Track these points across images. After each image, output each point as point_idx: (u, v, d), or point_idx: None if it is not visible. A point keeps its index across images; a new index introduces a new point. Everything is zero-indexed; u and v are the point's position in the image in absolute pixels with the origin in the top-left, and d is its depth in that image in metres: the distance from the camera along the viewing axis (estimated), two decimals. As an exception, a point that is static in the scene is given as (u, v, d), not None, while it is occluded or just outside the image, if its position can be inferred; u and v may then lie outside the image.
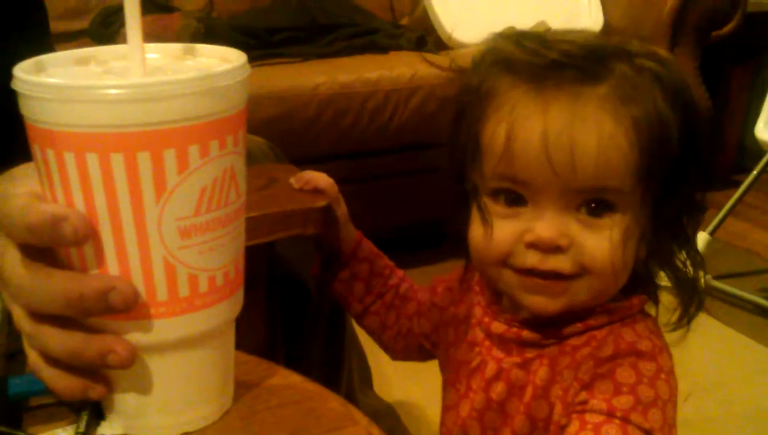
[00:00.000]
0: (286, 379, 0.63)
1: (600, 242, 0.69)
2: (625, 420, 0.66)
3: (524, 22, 3.17)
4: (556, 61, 0.68)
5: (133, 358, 0.50)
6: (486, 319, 0.79)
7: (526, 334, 0.75)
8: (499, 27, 2.92)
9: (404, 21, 3.13)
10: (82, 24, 2.72)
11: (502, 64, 0.73)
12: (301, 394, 0.61)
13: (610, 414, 0.67)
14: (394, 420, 1.54)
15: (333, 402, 0.60)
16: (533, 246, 0.70)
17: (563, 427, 0.70)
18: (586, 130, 0.67)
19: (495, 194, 0.72)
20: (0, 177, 0.55)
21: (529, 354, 0.75)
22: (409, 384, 1.69)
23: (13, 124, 0.51)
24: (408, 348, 0.94)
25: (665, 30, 2.86)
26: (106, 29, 2.62)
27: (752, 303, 2.32)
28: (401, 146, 2.48)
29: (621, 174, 0.68)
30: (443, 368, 0.87)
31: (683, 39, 2.88)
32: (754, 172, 2.35)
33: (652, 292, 0.76)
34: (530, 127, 0.68)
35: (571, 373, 0.72)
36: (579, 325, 0.73)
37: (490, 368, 0.78)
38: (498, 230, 0.71)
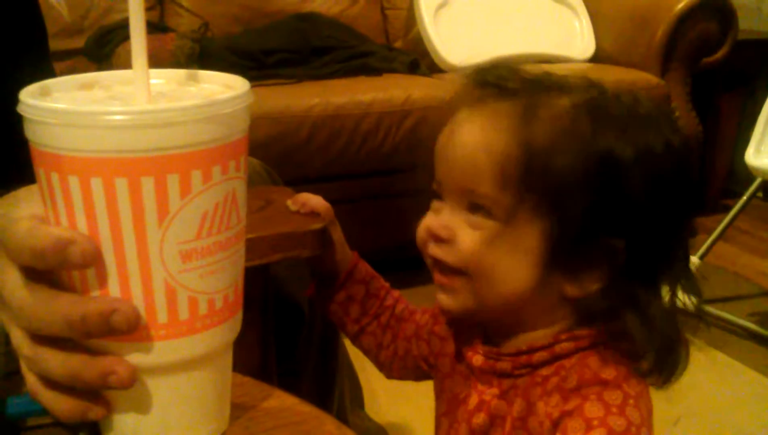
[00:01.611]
0: (281, 401, 0.63)
1: (471, 239, 0.73)
2: None
3: (517, 47, 3.22)
4: (496, 84, 0.75)
5: (133, 379, 0.51)
6: (469, 353, 0.81)
7: (500, 365, 0.77)
8: (492, 51, 2.96)
9: (398, 44, 3.15)
10: (78, 43, 2.74)
11: (470, 86, 0.78)
12: (297, 416, 0.62)
13: None
14: (385, 440, 1.54)
15: (328, 425, 0.61)
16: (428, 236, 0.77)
17: None
18: (469, 133, 0.74)
19: (434, 194, 0.79)
20: (2, 199, 0.56)
21: (505, 385, 0.77)
22: (400, 404, 1.69)
23: (17, 147, 0.51)
24: (405, 368, 0.95)
25: (656, 56, 2.89)
26: (102, 48, 2.63)
27: (742, 327, 2.33)
28: (394, 168, 2.49)
29: (488, 180, 0.71)
30: (437, 397, 0.88)
31: (674, 65, 2.91)
32: (744, 197, 2.37)
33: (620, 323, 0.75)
34: (444, 131, 0.77)
35: (543, 407, 0.73)
36: (545, 354, 0.75)
37: (473, 400, 0.79)
38: (420, 224, 0.79)
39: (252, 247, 0.87)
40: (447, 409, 0.84)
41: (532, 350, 0.75)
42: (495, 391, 0.78)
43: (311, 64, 2.69)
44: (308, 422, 0.61)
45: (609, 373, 0.72)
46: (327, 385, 1.26)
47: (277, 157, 2.18)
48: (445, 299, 0.78)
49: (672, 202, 0.73)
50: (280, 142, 2.34)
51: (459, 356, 0.84)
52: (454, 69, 2.87)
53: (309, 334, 1.18)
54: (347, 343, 1.43)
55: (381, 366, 0.98)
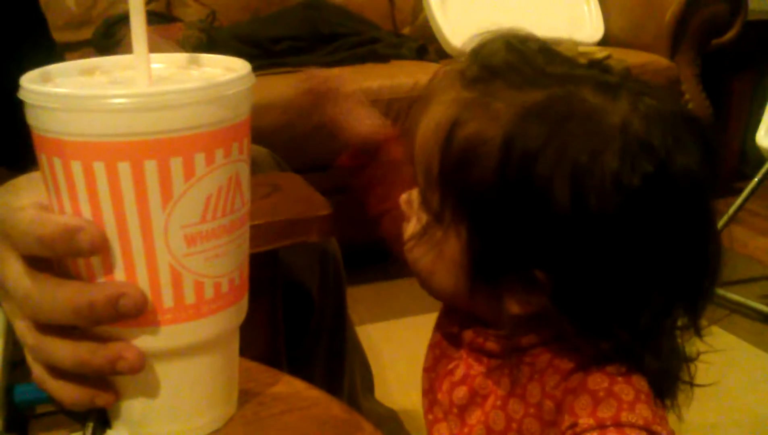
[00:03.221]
0: (290, 385, 0.63)
1: (411, 227, 0.72)
2: (618, 424, 0.62)
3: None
4: (480, 66, 0.67)
5: (142, 364, 0.50)
6: (459, 326, 0.77)
7: (489, 344, 0.73)
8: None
9: (405, 30, 3.14)
10: (86, 34, 2.74)
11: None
12: (306, 401, 0.62)
13: (601, 426, 0.63)
14: (397, 425, 1.54)
15: (337, 409, 0.61)
16: None
17: None
18: (430, 111, 0.68)
19: None
20: (1, 188, 0.56)
21: (493, 364, 0.73)
22: (411, 390, 1.69)
23: (21, 132, 0.51)
24: None
25: (666, 38, 2.87)
26: (109, 39, 2.64)
27: (754, 310, 2.33)
28: (403, 155, 2.49)
29: (421, 172, 0.68)
30: (430, 343, 0.85)
31: (684, 47, 2.90)
32: (756, 180, 2.36)
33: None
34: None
35: (537, 387, 0.68)
36: (534, 337, 0.69)
37: (459, 371, 0.76)
38: None
39: (259, 233, 0.87)
40: (431, 365, 0.81)
41: (522, 332, 0.69)
42: (483, 368, 0.74)
43: (319, 52, 2.69)
44: (317, 406, 0.61)
45: (606, 345, 0.65)
46: (337, 371, 1.26)
47: (285, 145, 2.17)
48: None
49: (605, 237, 0.61)
50: (288, 130, 2.34)
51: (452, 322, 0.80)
52: (462, 55, 2.86)
53: (319, 321, 1.18)
54: (358, 330, 1.43)
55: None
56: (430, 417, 0.80)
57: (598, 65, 0.68)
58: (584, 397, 0.64)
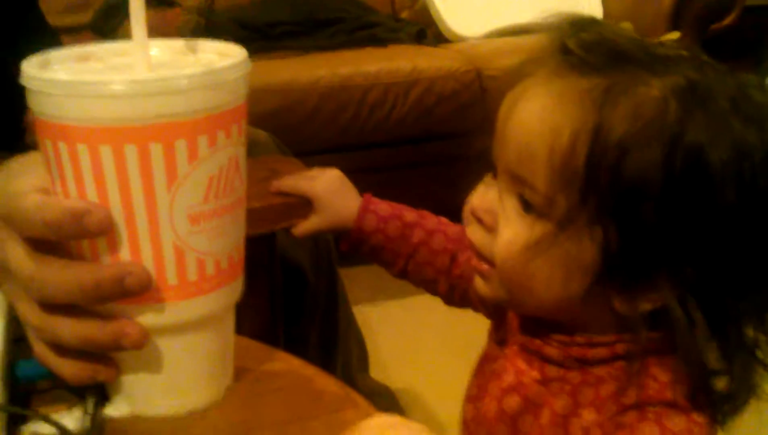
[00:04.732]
0: (287, 363, 0.65)
1: (513, 239, 0.64)
2: None
3: (523, 15, 3.19)
4: (577, 54, 0.62)
5: (145, 339, 0.52)
6: (516, 321, 0.73)
7: (548, 349, 0.68)
8: (498, 20, 2.94)
9: (404, 14, 3.14)
10: (85, 18, 2.74)
11: (548, 49, 0.66)
12: (302, 377, 0.63)
13: None
14: (391, 402, 1.56)
15: (332, 385, 0.62)
16: (471, 215, 0.69)
17: None
18: (532, 111, 0.62)
19: (489, 165, 0.69)
20: None
21: (551, 373, 0.68)
22: (407, 370, 1.70)
23: (18, 114, 0.52)
24: (465, 299, 0.88)
25: (664, 22, 2.87)
26: (108, 23, 2.63)
27: None
28: (401, 139, 2.49)
29: (546, 175, 0.61)
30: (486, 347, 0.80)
31: (682, 31, 2.89)
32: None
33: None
34: (508, 98, 0.65)
35: (592, 414, 0.64)
36: (604, 351, 0.65)
37: (508, 377, 0.71)
38: (468, 198, 0.70)
39: (258, 215, 0.89)
40: (479, 368, 0.77)
41: (590, 344, 0.65)
42: (536, 374, 0.69)
43: (317, 36, 2.69)
44: (313, 383, 0.62)
45: (676, 391, 0.62)
46: (331, 348, 1.28)
47: (284, 128, 2.18)
48: (480, 284, 0.70)
49: (765, 220, 0.60)
50: (287, 113, 2.35)
51: (499, 316, 0.77)
52: (460, 39, 2.87)
53: (313, 299, 1.20)
54: (355, 311, 1.45)
55: (442, 298, 0.92)
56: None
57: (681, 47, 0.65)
58: None
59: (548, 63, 0.63)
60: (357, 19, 2.81)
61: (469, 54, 2.62)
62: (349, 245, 0.94)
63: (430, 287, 0.92)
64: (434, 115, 2.47)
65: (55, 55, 0.54)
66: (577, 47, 0.62)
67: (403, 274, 0.93)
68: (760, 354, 0.63)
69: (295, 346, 1.07)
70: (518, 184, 0.64)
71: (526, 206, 0.63)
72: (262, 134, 1.19)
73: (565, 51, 0.63)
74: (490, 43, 2.77)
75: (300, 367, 0.65)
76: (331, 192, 0.92)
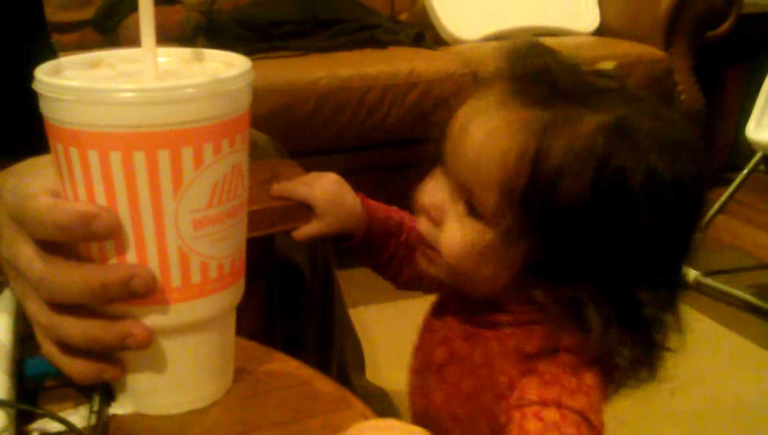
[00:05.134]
0: (284, 364, 0.67)
1: (458, 237, 0.74)
2: (558, 404, 0.69)
3: (521, 20, 3.21)
4: (530, 81, 0.71)
5: (150, 340, 0.54)
6: (449, 292, 0.84)
7: (471, 314, 0.80)
8: (497, 24, 2.95)
9: (403, 16, 3.15)
10: (87, 14, 2.75)
11: (506, 71, 0.75)
12: (298, 378, 0.64)
13: (543, 403, 0.69)
14: (386, 404, 1.58)
15: (329, 386, 0.64)
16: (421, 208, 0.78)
17: (504, 425, 0.72)
18: (486, 132, 0.71)
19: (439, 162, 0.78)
20: (3, 172, 0.59)
21: (471, 332, 0.80)
22: (401, 371, 1.72)
23: (24, 117, 0.54)
24: (420, 285, 0.96)
25: (661, 29, 2.89)
26: (110, 20, 2.65)
27: (741, 300, 2.36)
28: (399, 140, 2.50)
29: (493, 191, 0.70)
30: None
31: (679, 38, 2.91)
32: (745, 171, 2.40)
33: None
34: (464, 110, 0.74)
35: (500, 364, 0.75)
36: (510, 317, 0.76)
37: (440, 333, 0.83)
38: (419, 187, 0.79)
39: (257, 218, 0.90)
40: (423, 328, 0.88)
41: (501, 311, 0.77)
42: (461, 332, 0.81)
43: (317, 37, 2.70)
44: (310, 384, 0.64)
45: (569, 340, 0.72)
46: (326, 348, 1.29)
47: (283, 129, 2.20)
48: (423, 263, 0.80)
49: (670, 236, 0.71)
50: (286, 114, 2.36)
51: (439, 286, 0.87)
52: (458, 42, 2.88)
53: (310, 299, 1.21)
54: (351, 313, 1.46)
55: (396, 285, 1.00)
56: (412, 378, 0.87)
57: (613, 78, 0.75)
58: (534, 379, 0.72)
59: (498, 87, 0.73)
60: (357, 20, 2.82)
61: (467, 57, 2.63)
62: (347, 246, 0.96)
63: (392, 278, 0.99)
64: (432, 117, 2.48)
65: (66, 61, 0.56)
66: (524, 76, 0.72)
67: (376, 267, 0.98)
68: (658, 337, 0.74)
69: (291, 346, 1.09)
70: (467, 193, 0.73)
71: (472, 211, 0.73)
72: (261, 137, 1.21)
73: (513, 78, 0.73)
74: (487, 47, 2.78)
75: (297, 368, 0.66)
76: (329, 197, 0.94)
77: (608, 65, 0.78)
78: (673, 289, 0.74)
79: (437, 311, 0.86)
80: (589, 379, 0.71)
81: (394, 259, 0.96)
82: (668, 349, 0.75)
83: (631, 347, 0.73)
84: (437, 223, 0.76)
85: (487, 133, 0.71)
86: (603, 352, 0.71)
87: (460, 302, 0.81)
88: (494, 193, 0.70)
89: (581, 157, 0.67)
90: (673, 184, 0.68)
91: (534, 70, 0.72)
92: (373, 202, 0.97)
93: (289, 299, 1.17)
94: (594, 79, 0.74)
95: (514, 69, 0.73)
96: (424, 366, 0.85)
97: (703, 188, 0.72)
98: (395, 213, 0.98)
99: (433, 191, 0.77)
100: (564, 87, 0.71)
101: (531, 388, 0.71)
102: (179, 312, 0.55)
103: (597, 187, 0.67)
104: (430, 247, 0.77)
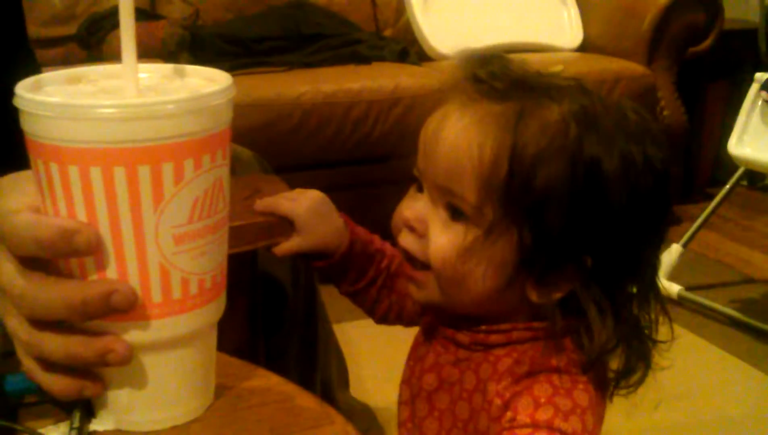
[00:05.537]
0: (266, 380, 0.66)
1: (445, 243, 0.73)
2: (550, 428, 0.69)
3: (505, 36, 3.23)
4: (488, 82, 0.73)
5: (130, 356, 0.54)
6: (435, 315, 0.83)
7: (460, 336, 0.79)
8: (481, 40, 2.97)
9: (388, 32, 3.17)
10: (70, 30, 2.75)
11: (462, 78, 0.77)
12: (280, 394, 0.64)
13: (535, 425, 0.70)
14: (370, 420, 1.57)
15: (311, 402, 0.63)
16: (402, 225, 0.78)
17: None
18: (456, 132, 0.72)
19: (413, 180, 0.79)
20: None
21: (461, 355, 0.79)
22: (386, 389, 1.71)
23: (9, 133, 0.54)
24: (399, 319, 0.97)
25: (644, 45, 2.91)
26: (93, 35, 2.64)
27: (723, 314, 2.37)
28: (383, 155, 2.51)
29: (472, 188, 0.70)
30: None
31: (661, 54, 2.94)
32: (727, 186, 2.41)
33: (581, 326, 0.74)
34: (431, 120, 0.75)
35: (493, 386, 0.74)
36: (501, 337, 0.76)
37: (429, 360, 0.82)
38: (396, 209, 0.79)
39: (240, 234, 0.90)
40: (411, 354, 0.87)
41: (489, 331, 0.77)
42: (451, 357, 0.80)
43: (301, 52, 2.71)
44: (291, 400, 0.64)
45: (561, 359, 0.73)
46: (310, 364, 1.29)
47: (267, 144, 2.20)
48: (414, 290, 0.79)
49: (647, 217, 0.73)
50: (270, 129, 2.36)
51: (426, 312, 0.86)
52: (443, 57, 2.90)
53: (293, 315, 1.21)
54: (336, 328, 1.46)
55: (375, 317, 0.99)
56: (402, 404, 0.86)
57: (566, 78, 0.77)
58: (527, 399, 0.72)
59: (463, 90, 0.74)
60: (341, 36, 2.83)
61: (452, 73, 2.64)
62: (327, 264, 0.96)
63: (369, 309, 0.98)
64: (416, 132, 2.49)
65: (46, 77, 0.56)
66: (486, 76, 0.73)
67: (352, 294, 0.97)
68: (650, 333, 0.76)
69: (274, 362, 1.09)
70: (447, 195, 0.73)
71: (455, 214, 0.73)
72: (245, 152, 1.21)
73: (475, 80, 0.74)
74: (472, 63, 2.79)
75: (279, 383, 0.66)
76: (312, 213, 0.94)
77: (557, 68, 0.80)
78: (651, 279, 0.76)
79: (423, 339, 0.85)
80: (585, 400, 0.71)
81: (371, 287, 0.96)
82: (659, 341, 0.76)
83: (627, 340, 0.74)
84: (422, 234, 0.76)
85: (460, 131, 0.72)
86: (602, 352, 0.72)
87: (448, 326, 0.80)
88: (475, 188, 0.71)
89: (556, 141, 0.69)
90: (646, 166, 0.71)
91: (495, 70, 0.74)
92: (356, 225, 0.97)
93: (272, 315, 1.17)
94: (551, 78, 0.76)
95: (476, 72, 0.74)
96: (413, 394, 0.84)
97: (670, 169, 0.74)
98: (377, 240, 0.98)
99: (413, 205, 0.77)
100: (527, 82, 0.73)
101: (524, 410, 0.71)
102: (160, 328, 0.54)
103: (574, 172, 0.69)
104: (418, 265, 0.77)
